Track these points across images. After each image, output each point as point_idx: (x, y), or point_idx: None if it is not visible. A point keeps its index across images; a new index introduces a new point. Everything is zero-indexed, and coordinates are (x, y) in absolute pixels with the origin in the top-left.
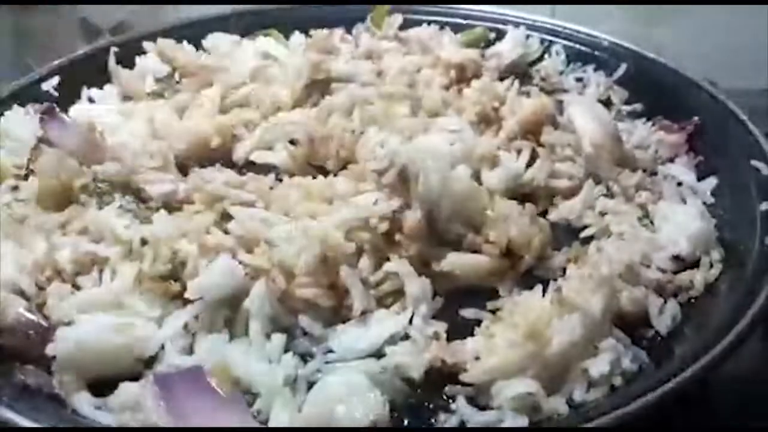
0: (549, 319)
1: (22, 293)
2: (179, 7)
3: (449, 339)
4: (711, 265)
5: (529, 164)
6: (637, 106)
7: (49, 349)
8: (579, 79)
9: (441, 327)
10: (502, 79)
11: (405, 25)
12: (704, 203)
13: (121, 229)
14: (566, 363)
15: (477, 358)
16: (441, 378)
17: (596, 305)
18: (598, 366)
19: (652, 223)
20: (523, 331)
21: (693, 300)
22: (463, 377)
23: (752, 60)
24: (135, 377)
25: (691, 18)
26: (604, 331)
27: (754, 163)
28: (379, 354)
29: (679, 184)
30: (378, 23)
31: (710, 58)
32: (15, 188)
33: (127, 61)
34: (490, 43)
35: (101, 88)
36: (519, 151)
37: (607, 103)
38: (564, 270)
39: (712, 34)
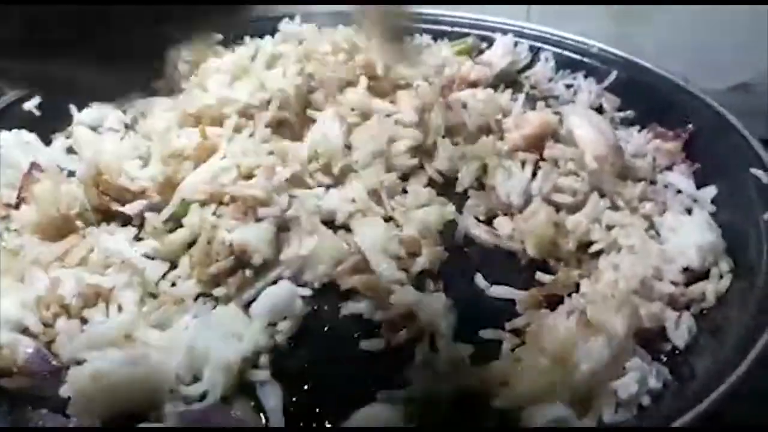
0: (575, 342)
1: (27, 332)
2: None
3: (472, 362)
4: (721, 276)
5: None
6: (629, 113)
7: (63, 391)
8: (569, 86)
9: (465, 350)
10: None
11: None
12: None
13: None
14: (595, 385)
15: (504, 383)
16: (469, 403)
17: (620, 325)
18: (626, 387)
19: (658, 234)
20: (550, 355)
21: (705, 311)
22: (493, 403)
23: (722, 59)
24: (154, 411)
25: (667, 16)
26: (628, 351)
27: (753, 171)
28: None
29: (679, 192)
30: None
31: (684, 56)
32: (5, 217)
33: None
34: (480, 52)
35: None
36: (523, 163)
37: (599, 110)
38: (577, 285)
39: (688, 33)
